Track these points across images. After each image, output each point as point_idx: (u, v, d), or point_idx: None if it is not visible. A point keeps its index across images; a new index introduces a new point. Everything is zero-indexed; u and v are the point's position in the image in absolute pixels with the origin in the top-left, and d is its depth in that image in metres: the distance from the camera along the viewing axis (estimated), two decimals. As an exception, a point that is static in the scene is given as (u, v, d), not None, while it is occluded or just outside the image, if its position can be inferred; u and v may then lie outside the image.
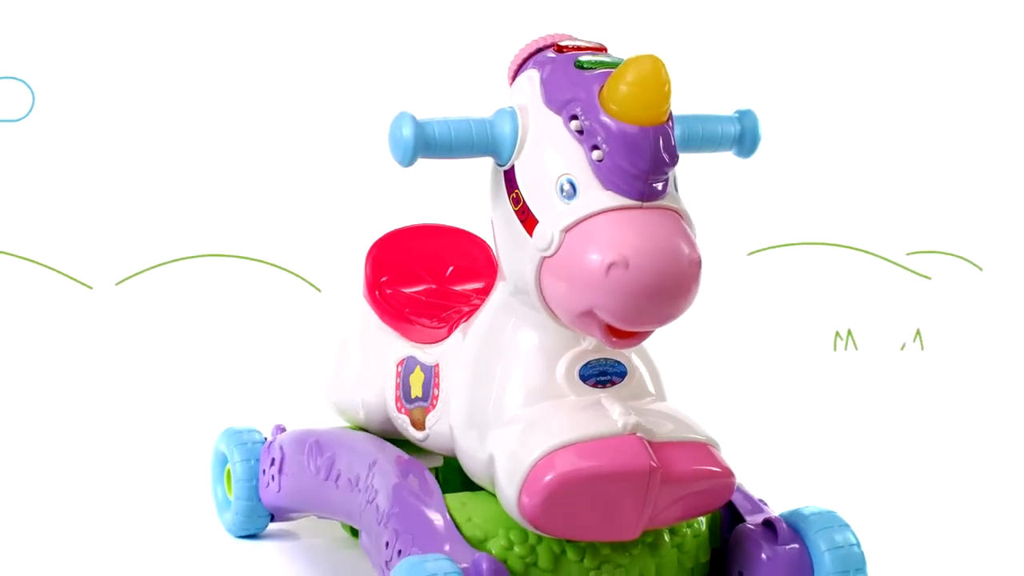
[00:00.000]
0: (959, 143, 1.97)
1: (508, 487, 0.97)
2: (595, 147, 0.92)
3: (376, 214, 1.38)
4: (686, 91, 1.77)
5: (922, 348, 1.85)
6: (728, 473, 1.00)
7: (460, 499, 1.03)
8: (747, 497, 1.09)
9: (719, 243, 1.78)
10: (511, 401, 1.01)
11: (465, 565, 0.97)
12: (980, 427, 1.59)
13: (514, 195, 0.96)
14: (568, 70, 0.94)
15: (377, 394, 1.14)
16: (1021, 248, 1.95)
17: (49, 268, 1.85)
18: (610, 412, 0.98)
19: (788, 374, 1.78)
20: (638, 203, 0.93)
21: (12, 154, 1.88)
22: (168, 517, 1.28)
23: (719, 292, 1.76)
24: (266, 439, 1.22)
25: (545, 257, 0.93)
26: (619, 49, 1.28)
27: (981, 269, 1.93)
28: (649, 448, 0.97)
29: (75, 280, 1.85)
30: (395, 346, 1.13)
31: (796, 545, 1.04)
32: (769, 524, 1.04)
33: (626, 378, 1.02)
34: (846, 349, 1.85)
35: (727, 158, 1.42)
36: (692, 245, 0.93)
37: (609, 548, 1.03)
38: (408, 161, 0.97)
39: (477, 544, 1.02)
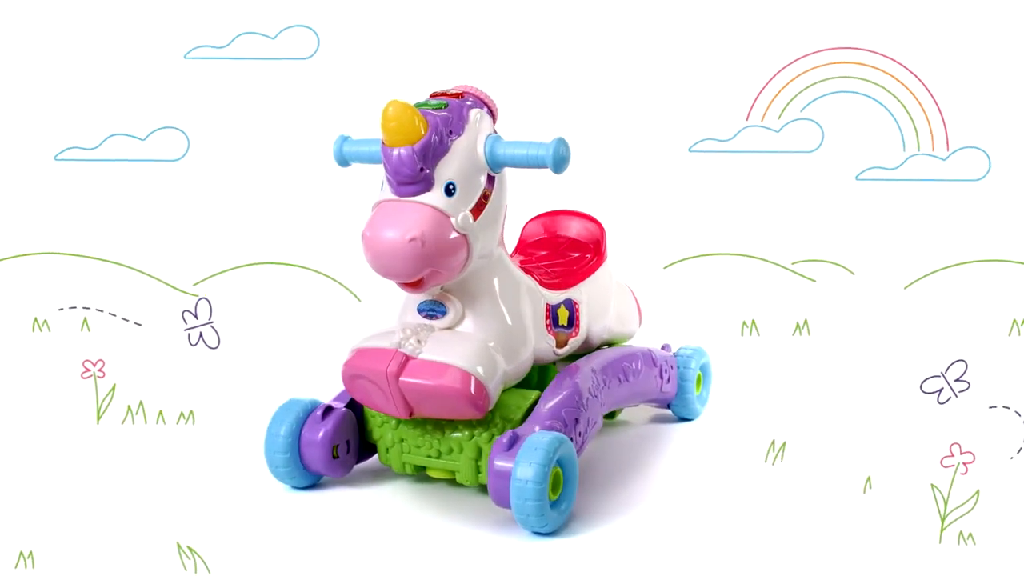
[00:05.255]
0: (835, 171, 2.05)
1: None
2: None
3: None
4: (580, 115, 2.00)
5: (809, 333, 1.93)
6: (468, 396, 1.08)
7: None
8: (548, 421, 1.16)
9: (659, 252, 1.98)
10: (394, 321, 1.19)
11: (323, 405, 1.19)
12: (853, 392, 1.70)
13: None
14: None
15: None
16: (884, 257, 2.03)
17: (170, 286, 1.91)
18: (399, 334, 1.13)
19: (707, 352, 1.76)
20: (396, 198, 1.08)
21: (173, 186, 2.03)
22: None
23: (662, 288, 1.92)
24: None
25: None
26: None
27: (853, 273, 2.02)
28: (399, 360, 1.10)
29: (182, 291, 1.90)
30: None
31: (507, 464, 1.11)
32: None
33: (446, 316, 1.15)
34: (751, 334, 1.94)
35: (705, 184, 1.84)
36: (415, 228, 1.04)
37: (432, 424, 1.17)
38: (340, 164, 1.17)
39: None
